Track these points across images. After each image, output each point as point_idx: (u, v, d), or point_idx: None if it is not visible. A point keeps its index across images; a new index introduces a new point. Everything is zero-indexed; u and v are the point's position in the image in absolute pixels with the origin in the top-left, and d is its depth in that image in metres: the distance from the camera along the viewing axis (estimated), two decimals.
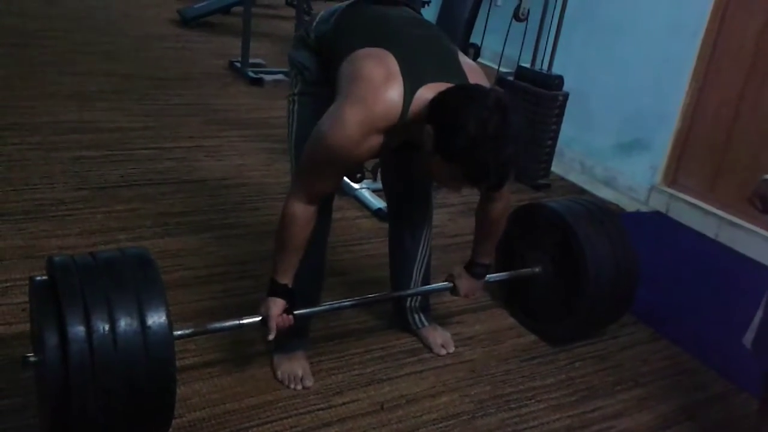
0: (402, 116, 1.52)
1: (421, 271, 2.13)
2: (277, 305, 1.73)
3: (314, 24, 1.79)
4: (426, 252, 2.12)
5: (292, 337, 1.92)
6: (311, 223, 1.68)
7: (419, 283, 2.13)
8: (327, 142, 1.53)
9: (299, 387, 1.90)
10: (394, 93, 1.52)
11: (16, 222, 2.48)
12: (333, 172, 1.64)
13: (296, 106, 1.84)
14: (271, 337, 1.74)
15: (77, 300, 1.40)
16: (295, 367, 1.93)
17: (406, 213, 2.09)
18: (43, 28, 5.02)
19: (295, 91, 1.84)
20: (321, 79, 1.77)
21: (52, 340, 1.38)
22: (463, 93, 1.48)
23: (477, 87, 1.52)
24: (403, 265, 2.12)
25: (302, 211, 1.65)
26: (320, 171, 1.62)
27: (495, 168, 1.44)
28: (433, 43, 1.68)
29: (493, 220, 1.92)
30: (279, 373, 1.93)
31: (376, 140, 1.54)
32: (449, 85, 1.52)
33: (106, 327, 1.39)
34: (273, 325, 1.72)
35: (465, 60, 1.69)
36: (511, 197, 1.94)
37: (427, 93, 1.51)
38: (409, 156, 1.93)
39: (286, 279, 1.73)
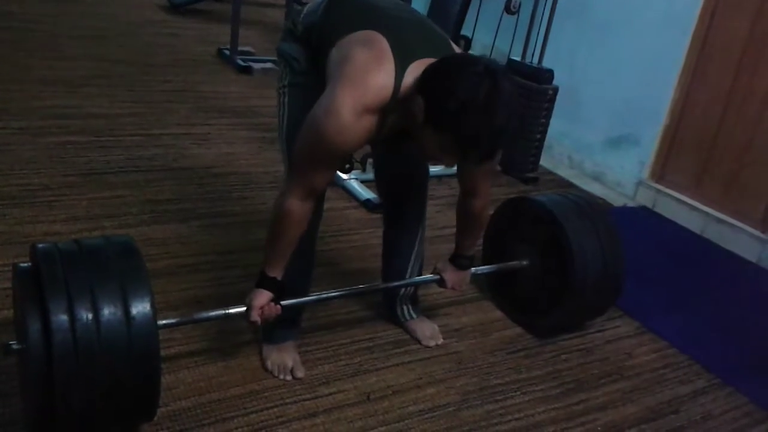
0: (394, 93, 1.51)
1: (415, 268, 2.12)
2: (262, 296, 1.71)
3: (302, 15, 1.78)
4: (420, 249, 2.12)
5: (281, 327, 1.92)
6: (306, 221, 1.66)
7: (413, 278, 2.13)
8: (321, 127, 1.51)
9: (288, 377, 1.89)
10: (384, 70, 1.50)
11: (1, 207, 2.45)
12: (328, 161, 1.61)
13: (286, 98, 1.81)
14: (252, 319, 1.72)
15: (61, 288, 1.38)
16: (285, 357, 1.92)
17: (402, 212, 2.08)
18: (29, 12, 4.95)
19: (285, 82, 1.82)
20: (310, 70, 1.76)
21: (35, 328, 1.37)
22: (453, 61, 1.48)
23: (466, 54, 1.51)
24: (399, 263, 2.11)
25: (298, 208, 1.63)
26: (316, 160, 1.59)
27: (486, 135, 1.42)
28: (424, 27, 1.68)
29: (474, 216, 1.92)
30: (268, 364, 1.91)
31: (370, 121, 1.52)
32: None
33: (90, 315, 1.38)
34: (254, 314, 1.71)
35: (456, 48, 1.68)
36: (491, 193, 1.93)
37: (418, 68, 1.50)
38: (404, 147, 1.92)
39: (276, 272, 1.72)
